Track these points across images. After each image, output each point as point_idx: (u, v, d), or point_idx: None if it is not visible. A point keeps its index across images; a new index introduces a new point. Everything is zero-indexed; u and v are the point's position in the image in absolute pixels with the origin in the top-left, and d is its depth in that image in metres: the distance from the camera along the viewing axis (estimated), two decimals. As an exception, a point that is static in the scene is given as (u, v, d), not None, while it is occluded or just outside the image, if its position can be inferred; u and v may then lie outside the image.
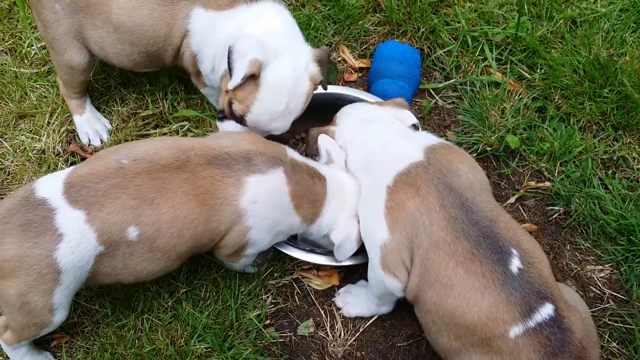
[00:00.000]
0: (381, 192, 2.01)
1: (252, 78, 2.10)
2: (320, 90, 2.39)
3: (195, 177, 1.96)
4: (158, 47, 2.28)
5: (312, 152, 2.30)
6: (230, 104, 2.18)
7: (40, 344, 2.26)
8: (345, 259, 2.24)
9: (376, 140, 2.17)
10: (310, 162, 2.20)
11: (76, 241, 1.85)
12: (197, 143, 2.04)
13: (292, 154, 2.16)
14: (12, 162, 2.61)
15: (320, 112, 2.44)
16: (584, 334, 1.83)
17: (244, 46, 2.07)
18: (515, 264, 1.83)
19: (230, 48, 2.07)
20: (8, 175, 2.60)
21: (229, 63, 2.08)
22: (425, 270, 1.89)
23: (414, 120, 2.27)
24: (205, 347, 2.23)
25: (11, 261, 1.82)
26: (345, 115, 2.34)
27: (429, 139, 2.14)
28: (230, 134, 2.19)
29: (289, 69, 2.14)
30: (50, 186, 1.89)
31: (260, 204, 2.03)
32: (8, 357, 2.20)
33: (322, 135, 2.25)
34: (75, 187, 1.87)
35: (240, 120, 2.20)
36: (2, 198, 2.53)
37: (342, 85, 2.85)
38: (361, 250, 2.20)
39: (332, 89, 2.60)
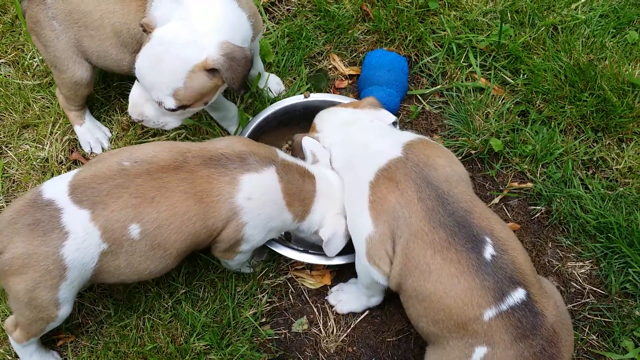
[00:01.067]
0: (364, 188, 2.13)
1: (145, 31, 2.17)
2: (312, 97, 2.49)
3: (193, 176, 2.08)
4: None
5: (299, 157, 2.41)
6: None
7: (47, 343, 2.36)
8: (334, 254, 2.34)
9: (357, 140, 2.29)
10: (300, 162, 2.33)
11: (81, 238, 1.96)
12: (193, 146, 2.18)
13: (283, 155, 2.29)
14: (16, 170, 2.72)
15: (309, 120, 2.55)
16: (556, 319, 1.94)
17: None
18: (488, 251, 1.95)
19: None
20: (13, 183, 2.71)
21: None
22: (406, 259, 2.01)
23: (393, 118, 2.39)
24: (204, 345, 2.34)
25: (20, 258, 1.94)
26: (324, 120, 2.45)
27: (407, 136, 2.27)
28: (224, 138, 2.31)
29: (184, 31, 2.13)
30: (56, 188, 2.01)
31: (255, 201, 2.15)
32: (17, 357, 2.31)
33: (305, 137, 2.38)
34: (80, 189, 1.99)
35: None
36: (8, 204, 2.64)
37: (334, 92, 2.96)
38: (351, 249, 2.31)
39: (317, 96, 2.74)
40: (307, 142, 2.37)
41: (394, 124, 2.40)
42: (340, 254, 2.42)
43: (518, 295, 1.91)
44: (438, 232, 1.97)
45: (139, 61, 2.18)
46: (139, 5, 2.31)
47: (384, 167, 2.11)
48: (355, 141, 2.29)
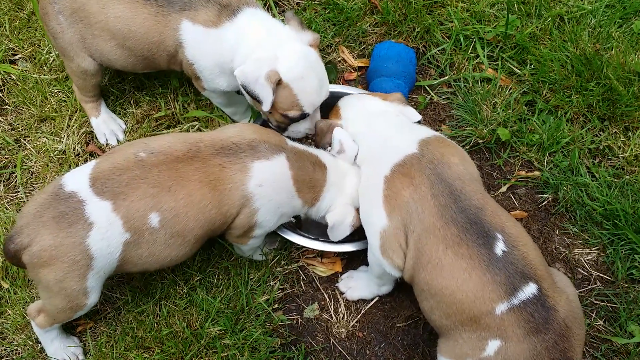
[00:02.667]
0: (379, 182, 2.18)
1: (278, 85, 2.28)
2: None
3: (206, 165, 2.14)
4: (152, 52, 2.45)
5: (322, 144, 2.45)
6: (283, 116, 2.39)
7: (66, 329, 2.44)
8: (337, 240, 2.39)
9: (379, 133, 2.33)
10: (312, 150, 2.37)
11: (105, 228, 2.03)
12: (205, 136, 2.24)
13: (292, 143, 2.34)
14: (35, 162, 2.80)
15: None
16: (568, 314, 1.97)
17: (250, 73, 2.26)
18: (499, 247, 1.98)
19: (243, 84, 2.27)
20: (32, 174, 2.79)
21: (250, 94, 2.29)
22: (419, 253, 2.06)
23: (419, 117, 2.43)
24: (218, 330, 2.41)
25: (48, 250, 2.00)
26: (350, 106, 2.49)
27: (424, 132, 2.31)
28: (234, 125, 2.37)
29: (293, 55, 2.30)
30: (77, 180, 2.08)
31: (266, 187, 2.21)
32: (38, 342, 2.39)
33: (337, 128, 2.40)
34: (101, 180, 2.06)
35: (301, 117, 2.40)
36: (27, 196, 2.72)
37: (343, 84, 3.01)
38: (361, 236, 2.37)
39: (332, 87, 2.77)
40: (338, 132, 2.40)
41: (419, 122, 2.44)
42: (350, 241, 2.48)
43: (530, 290, 1.94)
44: (450, 228, 2.01)
45: (311, 102, 2.38)
46: (153, 15, 2.35)
47: (400, 163, 2.16)
48: (377, 134, 2.33)
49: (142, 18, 2.36)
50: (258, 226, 2.29)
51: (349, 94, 2.71)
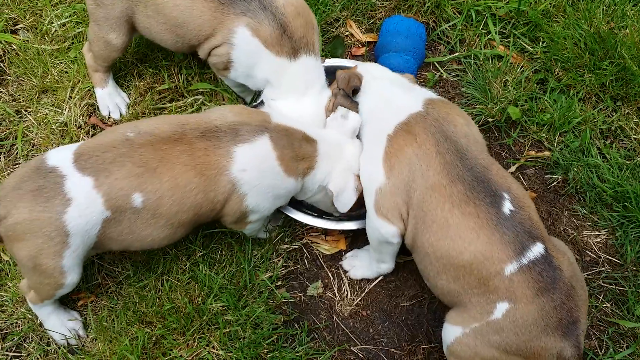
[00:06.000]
0: (382, 140, 2.14)
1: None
2: (328, 62, 2.53)
3: (192, 148, 2.09)
4: (199, 41, 2.43)
5: (342, 89, 2.37)
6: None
7: (67, 303, 2.42)
8: (347, 209, 2.32)
9: (382, 94, 2.29)
10: (299, 126, 2.28)
11: (84, 205, 1.98)
12: (192, 118, 2.18)
13: (278, 119, 2.25)
14: (36, 134, 2.76)
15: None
16: (572, 274, 1.97)
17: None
18: (507, 206, 1.96)
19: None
20: (33, 146, 2.75)
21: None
22: (422, 213, 2.02)
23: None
24: (221, 306, 2.38)
25: (22, 224, 1.95)
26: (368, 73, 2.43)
27: (428, 93, 2.28)
28: (219, 107, 2.31)
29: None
30: (60, 155, 2.03)
31: (250, 172, 2.15)
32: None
33: (341, 108, 2.36)
34: (84, 156, 2.01)
35: None
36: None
37: (350, 59, 2.95)
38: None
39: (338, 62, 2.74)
40: (342, 103, 2.35)
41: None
42: (354, 219, 2.44)
43: (537, 249, 1.93)
44: (457, 185, 1.98)
45: None
46: (212, 10, 2.33)
47: (404, 121, 2.12)
48: (380, 94, 2.29)
49: (200, 11, 2.33)
50: (251, 212, 2.23)
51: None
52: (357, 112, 2.35)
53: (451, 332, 2.06)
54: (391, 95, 2.26)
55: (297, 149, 2.22)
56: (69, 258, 2.04)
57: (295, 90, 2.42)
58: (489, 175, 2.00)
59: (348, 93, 2.34)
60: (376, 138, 2.18)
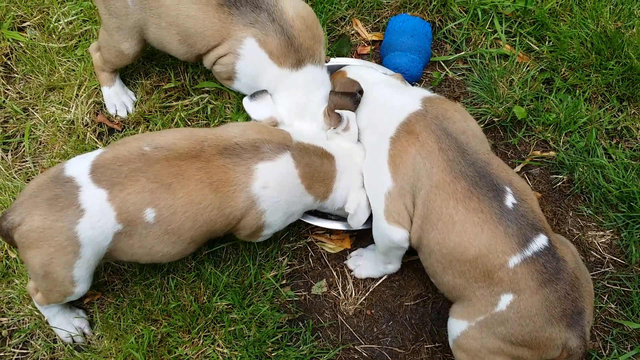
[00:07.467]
0: (385, 144, 2.16)
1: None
2: (333, 62, 2.54)
3: (209, 166, 2.10)
4: (207, 50, 2.45)
5: (352, 91, 2.38)
6: None
7: (73, 301, 2.43)
8: (359, 226, 2.35)
9: (379, 97, 2.31)
10: (317, 142, 2.31)
11: (97, 217, 1.99)
12: (210, 134, 2.18)
13: (298, 138, 2.28)
14: (43, 132, 2.77)
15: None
16: (575, 265, 1.99)
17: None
18: (509, 200, 1.98)
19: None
20: (40, 144, 2.76)
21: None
22: (428, 212, 2.04)
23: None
24: (226, 304, 2.40)
25: (36, 232, 1.97)
26: (350, 74, 2.46)
27: (424, 92, 2.30)
28: (238, 124, 2.33)
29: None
30: (78, 166, 2.04)
31: (272, 189, 2.16)
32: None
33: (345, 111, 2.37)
34: (101, 169, 2.02)
35: None
36: (35, 165, 2.70)
37: (356, 58, 2.95)
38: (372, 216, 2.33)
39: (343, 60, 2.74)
40: (346, 112, 2.35)
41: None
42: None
43: (540, 241, 1.95)
44: (460, 181, 2.00)
45: None
46: (222, 20, 2.34)
47: (405, 121, 2.14)
48: (377, 98, 2.31)
49: (211, 22, 2.35)
50: (267, 226, 2.25)
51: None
52: (354, 110, 2.36)
53: (456, 326, 2.08)
54: (388, 97, 2.28)
55: (318, 167, 2.25)
56: (80, 269, 2.06)
57: (299, 100, 2.42)
58: (490, 169, 2.02)
59: (355, 94, 2.34)
60: (379, 142, 2.19)
